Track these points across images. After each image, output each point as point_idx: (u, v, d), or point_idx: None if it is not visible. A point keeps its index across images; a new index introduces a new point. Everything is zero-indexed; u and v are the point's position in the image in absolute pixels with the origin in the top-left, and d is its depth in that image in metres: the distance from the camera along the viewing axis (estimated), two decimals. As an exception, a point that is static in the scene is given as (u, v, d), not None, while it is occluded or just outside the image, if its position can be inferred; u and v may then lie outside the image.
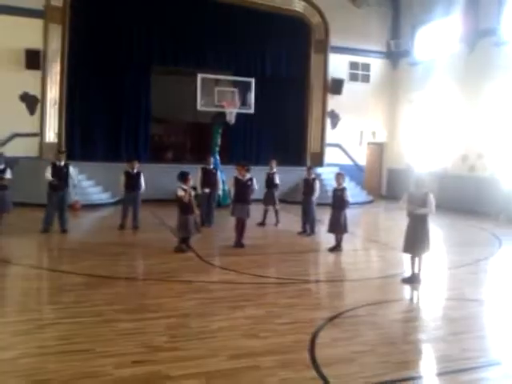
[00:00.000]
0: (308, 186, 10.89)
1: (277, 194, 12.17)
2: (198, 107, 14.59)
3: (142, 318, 5.43)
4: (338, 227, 9.28)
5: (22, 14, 14.74)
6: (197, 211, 8.88)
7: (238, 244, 9.25)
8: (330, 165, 18.49)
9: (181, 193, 8.54)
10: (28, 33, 14.90)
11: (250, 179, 9.40)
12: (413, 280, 7.22)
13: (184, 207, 8.59)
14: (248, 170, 9.48)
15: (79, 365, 4.24)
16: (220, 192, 12.47)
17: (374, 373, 4.34)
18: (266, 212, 12.00)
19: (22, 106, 15.18)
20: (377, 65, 19.83)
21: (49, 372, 4.08)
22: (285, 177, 12.38)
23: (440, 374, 4.51)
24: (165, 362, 4.35)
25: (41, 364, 4.23)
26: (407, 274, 7.53)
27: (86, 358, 4.38)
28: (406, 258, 7.77)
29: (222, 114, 14.61)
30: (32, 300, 6.11)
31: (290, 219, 12.39)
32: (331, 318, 5.66)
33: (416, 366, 4.61)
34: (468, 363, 4.62)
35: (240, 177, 9.36)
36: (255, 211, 11.96)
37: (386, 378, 4.24)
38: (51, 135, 15.51)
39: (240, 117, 15.27)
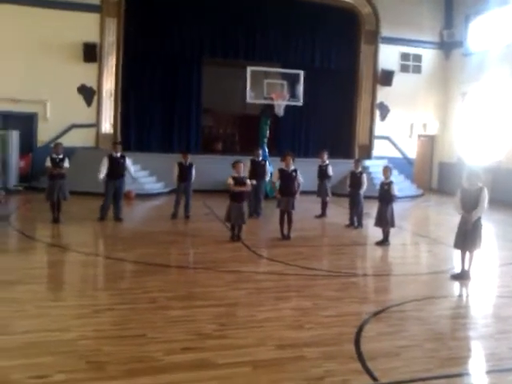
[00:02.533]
0: (355, 179, 10.84)
1: (329, 185, 12.18)
2: (248, 99, 14.73)
3: (192, 306, 5.63)
4: (384, 221, 9.21)
5: (79, 9, 15.29)
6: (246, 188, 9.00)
7: (286, 237, 9.34)
8: (378, 157, 18.25)
9: (229, 180, 8.79)
10: (86, 27, 15.46)
11: (295, 170, 9.46)
12: (463, 276, 7.11)
13: (231, 195, 8.82)
14: (294, 161, 9.55)
15: (132, 349, 4.45)
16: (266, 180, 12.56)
17: (419, 368, 4.35)
18: (322, 204, 12.03)
19: (80, 98, 15.78)
20: (429, 56, 19.32)
21: (104, 354, 4.32)
22: (333, 169, 12.36)
23: (488, 372, 4.46)
24: (213, 350, 4.51)
25: (97, 346, 4.48)
26: (457, 270, 7.42)
27: (138, 343, 4.59)
28: (456, 253, 7.64)
29: (271, 106, 14.68)
30: (89, 286, 6.43)
31: (338, 212, 12.37)
32: (377, 313, 5.68)
33: (463, 363, 4.58)
34: (517, 363, 4.56)
35: (285, 168, 9.44)
36: (309, 203, 12.11)
37: (431, 374, 4.25)
38: (107, 126, 16.07)
39: (288, 109, 15.30)
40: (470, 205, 7.01)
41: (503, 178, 15.45)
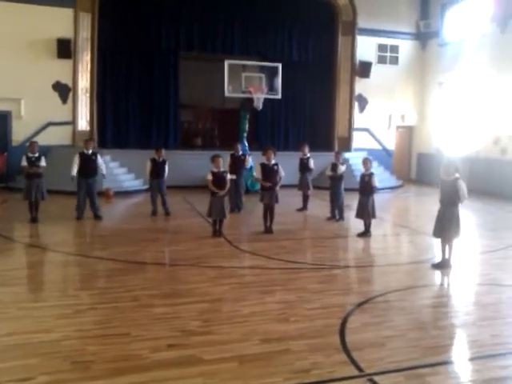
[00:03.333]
0: (335, 171, 10.87)
1: (310, 178, 12.22)
2: (226, 93, 14.66)
3: (175, 303, 5.59)
4: (365, 213, 9.28)
5: (53, 4, 14.97)
6: (222, 193, 8.90)
7: (268, 230, 9.35)
8: (358, 149, 18.35)
9: (208, 176, 8.79)
10: (59, 22, 15.13)
11: (276, 164, 9.46)
12: (443, 265, 7.21)
13: (211, 190, 8.79)
14: (275, 155, 9.55)
15: (117, 348, 4.41)
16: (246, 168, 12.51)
17: (404, 357, 4.39)
18: (304, 197, 12.07)
19: (55, 95, 15.49)
20: (405, 46, 19.44)
21: (89, 354, 4.27)
22: (313, 162, 12.37)
23: (470, 360, 4.53)
24: (198, 346, 4.49)
25: (81, 346, 4.42)
26: (437, 259, 7.51)
27: (123, 341, 4.55)
28: (437, 243, 7.74)
29: (250, 100, 14.64)
30: (70, 285, 6.32)
31: (320, 205, 12.40)
32: (361, 303, 5.72)
33: (446, 351, 4.64)
34: (499, 349, 4.63)
35: (266, 162, 9.43)
36: (290, 197, 12.13)
37: (416, 363, 4.29)
38: (83, 123, 15.82)
39: (267, 102, 15.28)
40: (447, 195, 7.11)
41: (481, 167, 15.68)
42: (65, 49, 15.13)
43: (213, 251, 8.07)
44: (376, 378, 4.02)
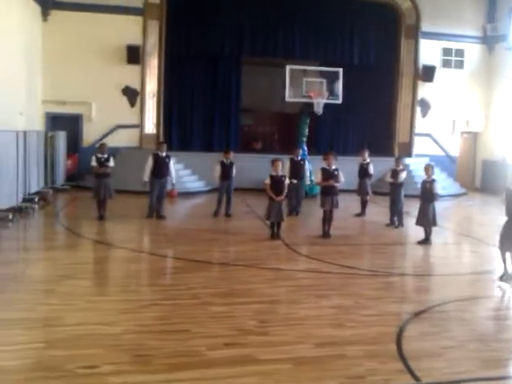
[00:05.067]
0: (396, 177, 10.72)
1: (369, 184, 12.12)
2: (287, 98, 14.74)
3: (234, 303, 5.74)
4: (426, 220, 9.09)
5: (123, 13, 15.70)
6: (280, 198, 9.01)
7: (325, 234, 9.37)
8: (419, 155, 17.93)
9: (266, 180, 8.95)
10: (129, 30, 15.83)
11: (337, 169, 9.46)
12: (506, 277, 6.96)
13: (270, 194, 8.94)
14: (336, 159, 9.56)
15: (176, 344, 4.58)
16: (308, 182, 12.62)
17: (462, 369, 4.32)
18: (362, 202, 12.02)
19: (124, 99, 16.20)
20: (471, 50, 18.83)
21: (149, 348, 4.46)
22: (373, 167, 12.25)
23: (533, 376, 4.41)
24: (254, 346, 4.59)
25: (142, 341, 4.62)
26: (500, 271, 7.26)
27: (182, 337, 4.72)
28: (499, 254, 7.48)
29: (310, 105, 14.67)
30: (134, 281, 6.63)
31: (378, 211, 12.26)
32: (419, 313, 5.65)
33: (507, 366, 4.53)
34: None
35: (327, 167, 9.44)
36: (348, 202, 12.10)
37: (475, 375, 4.22)
38: (150, 126, 16.43)
39: (327, 107, 15.24)
40: None
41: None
42: (134, 55, 15.78)
43: (270, 253, 8.20)
44: (432, 388, 4.00)
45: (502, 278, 6.98)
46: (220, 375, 4.04)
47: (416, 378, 4.14)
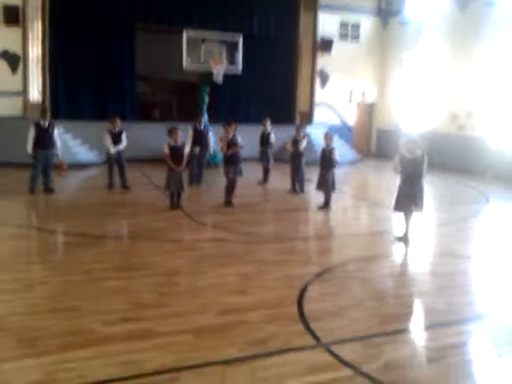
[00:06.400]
0: (297, 146, 10.79)
1: (271, 152, 12.12)
2: (184, 66, 14.23)
3: (130, 277, 5.42)
4: (326, 186, 9.26)
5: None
6: (180, 168, 8.68)
7: (228, 203, 9.21)
8: (319, 124, 18.32)
9: (164, 149, 8.53)
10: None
11: (235, 136, 9.26)
12: (404, 237, 7.23)
13: (169, 163, 8.57)
14: (235, 129, 9.37)
15: (67, 323, 4.24)
16: (211, 151, 12.34)
17: (361, 327, 4.40)
18: (264, 170, 12.00)
19: (4, 64, 14.71)
20: (367, 24, 19.40)
21: (35, 330, 4.09)
22: (274, 136, 12.26)
23: (426, 328, 4.58)
24: (153, 319, 4.37)
25: (29, 322, 4.22)
26: (397, 231, 7.55)
27: (74, 315, 4.37)
28: (395, 215, 7.78)
29: (209, 74, 14.28)
30: (20, 260, 6.05)
31: (280, 178, 12.32)
32: (320, 274, 5.69)
33: (403, 320, 4.65)
34: (453, 317, 4.68)
35: (226, 135, 9.22)
36: (251, 170, 12.01)
37: (373, 332, 4.29)
38: (35, 94, 15.09)
39: (228, 76, 14.96)
40: (411, 171, 7.05)
41: (438, 143, 15.91)
42: (12, 15, 14.29)
43: (170, 224, 7.88)
44: (333, 348, 3.99)
45: (399, 237, 7.26)
46: (117, 352, 3.79)
47: (317, 339, 4.14)
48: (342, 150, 15.79)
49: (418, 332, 4.52)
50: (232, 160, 9.15)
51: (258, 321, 4.41)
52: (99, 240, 6.86)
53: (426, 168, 7.13)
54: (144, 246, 6.62)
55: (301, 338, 4.14)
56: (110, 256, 6.15)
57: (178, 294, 4.99)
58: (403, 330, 4.44)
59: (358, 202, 10.96)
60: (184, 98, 18.20)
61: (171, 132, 8.62)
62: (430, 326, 4.58)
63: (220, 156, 10.68)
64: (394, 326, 4.44)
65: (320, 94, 18.94)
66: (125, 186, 10.69)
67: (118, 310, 4.52)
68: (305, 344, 4.05)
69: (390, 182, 7.33)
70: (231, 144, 9.12)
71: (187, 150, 8.79)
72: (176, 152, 8.57)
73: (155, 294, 4.95)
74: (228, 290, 5.10)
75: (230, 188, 9.21)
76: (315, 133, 16.11)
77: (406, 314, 4.82)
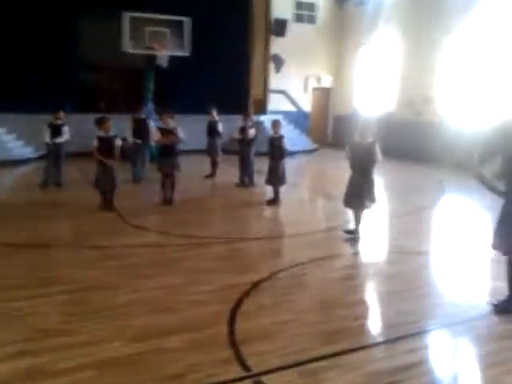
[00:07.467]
0: (244, 134, 10.10)
1: (219, 143, 11.36)
2: (125, 49, 13.29)
3: (36, 295, 4.60)
4: (275, 178, 8.62)
5: None
6: (110, 162, 7.78)
7: (167, 201, 8.41)
8: (274, 112, 17.61)
9: (93, 142, 7.70)
10: None
11: (175, 128, 8.47)
12: (354, 233, 6.65)
13: (97, 159, 7.74)
14: (172, 118, 8.58)
15: None
16: (152, 143, 11.49)
17: (300, 347, 3.78)
18: (212, 163, 11.28)
19: None
20: (323, 5, 18.74)
21: None
22: (225, 126, 11.52)
23: (377, 344, 3.96)
24: (52, 351, 3.62)
25: None
26: (349, 226, 6.97)
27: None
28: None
29: (154, 57, 13.38)
30: None
31: (229, 171, 11.55)
32: (259, 282, 5.03)
33: (350, 336, 3.99)
34: (408, 329, 4.10)
35: (164, 126, 8.43)
36: (197, 163, 11.26)
37: (314, 353, 3.68)
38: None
39: (175, 61, 14.08)
40: (360, 159, 6.46)
41: (395, 129, 15.48)
42: None
43: (98, 228, 6.99)
44: (264, 379, 3.35)
45: (349, 237, 6.67)
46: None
47: (246, 368, 3.48)
48: (297, 140, 15.27)
49: (366, 351, 3.87)
50: (166, 153, 8.32)
51: (179, 348, 3.73)
52: (8, 249, 5.95)
53: (380, 157, 6.48)
54: (61, 256, 5.81)
55: (227, 368, 3.48)
56: (16, 270, 5.27)
57: (87, 315, 4.22)
58: (349, 350, 3.80)
59: (312, 195, 10.37)
60: (132, 86, 17.13)
61: (100, 122, 7.73)
62: (381, 342, 3.98)
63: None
64: (338, 346, 3.82)
65: (275, 79, 18.22)
66: (57, 184, 9.76)
67: (13, 342, 3.74)
68: (230, 377, 3.38)
69: (347, 172, 6.68)
70: (165, 132, 8.31)
71: (118, 142, 7.85)
72: (105, 144, 7.68)
73: (62, 317, 4.19)
74: (148, 310, 4.36)
75: (168, 184, 8.41)
76: (270, 122, 15.42)
77: (354, 329, 4.18)
